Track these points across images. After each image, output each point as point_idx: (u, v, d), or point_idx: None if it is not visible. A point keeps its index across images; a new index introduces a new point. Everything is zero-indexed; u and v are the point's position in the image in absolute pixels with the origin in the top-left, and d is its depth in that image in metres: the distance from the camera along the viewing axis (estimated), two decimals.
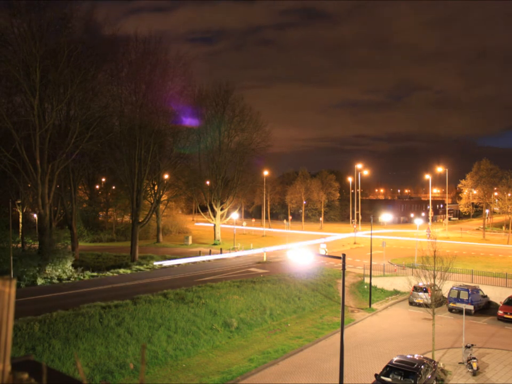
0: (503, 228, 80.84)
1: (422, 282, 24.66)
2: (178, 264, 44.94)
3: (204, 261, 47.61)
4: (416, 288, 31.96)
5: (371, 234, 35.60)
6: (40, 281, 34.64)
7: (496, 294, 32.44)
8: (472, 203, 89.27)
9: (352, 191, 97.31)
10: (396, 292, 36.25)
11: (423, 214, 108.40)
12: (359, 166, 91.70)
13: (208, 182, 65.32)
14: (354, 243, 63.97)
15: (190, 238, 64.46)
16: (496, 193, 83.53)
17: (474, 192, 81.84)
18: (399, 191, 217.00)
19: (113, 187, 73.24)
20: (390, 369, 18.34)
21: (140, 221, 48.85)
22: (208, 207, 65.20)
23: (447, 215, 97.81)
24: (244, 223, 76.87)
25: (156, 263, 43.64)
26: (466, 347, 21.30)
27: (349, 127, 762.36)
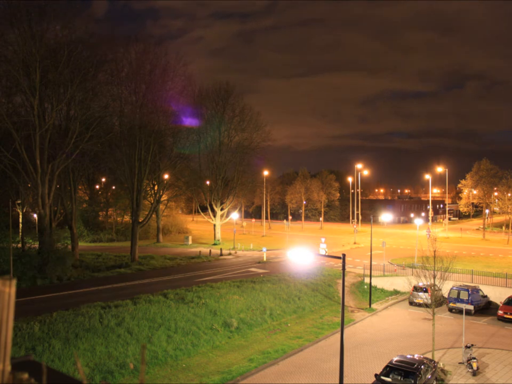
0: (503, 228, 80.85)
1: (422, 282, 24.66)
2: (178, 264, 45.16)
3: (203, 261, 47.63)
4: (416, 288, 31.96)
5: (371, 234, 35.60)
6: (40, 281, 34.63)
7: (496, 294, 32.43)
8: (472, 203, 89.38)
9: (352, 191, 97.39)
10: (396, 292, 36.25)
11: (423, 214, 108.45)
12: (359, 166, 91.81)
13: (208, 182, 65.33)
14: (354, 243, 63.99)
15: (190, 238, 64.52)
16: (496, 193, 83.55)
17: (474, 192, 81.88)
18: (399, 191, 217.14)
19: (113, 187, 73.24)
20: (390, 369, 18.33)
21: (140, 221, 48.85)
22: (208, 207, 65.21)
23: (447, 215, 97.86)
24: (244, 223, 76.90)
25: None
26: (466, 347, 21.30)
27: (387, 122, 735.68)
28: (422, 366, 18.32)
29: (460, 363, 21.49)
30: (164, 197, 60.87)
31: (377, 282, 36.79)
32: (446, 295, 30.69)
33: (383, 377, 18.09)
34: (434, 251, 22.75)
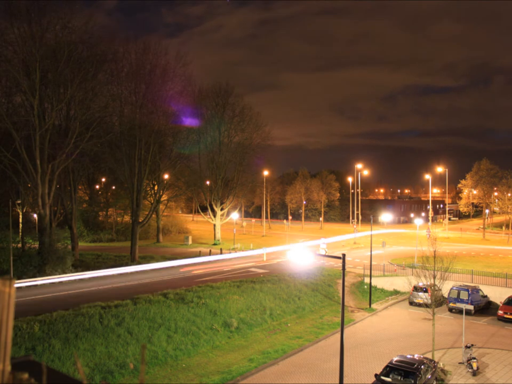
0: (503, 228, 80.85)
1: (422, 282, 24.66)
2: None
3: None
4: (416, 288, 31.96)
5: (371, 234, 35.60)
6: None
7: (496, 294, 32.43)
8: (472, 203, 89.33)
9: (352, 191, 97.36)
10: (395, 292, 36.24)
11: (423, 214, 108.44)
12: (359, 166, 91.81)
13: (208, 182, 65.33)
14: (354, 243, 63.99)
15: (190, 238, 64.49)
16: (496, 193, 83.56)
17: (474, 192, 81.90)
18: (399, 191, 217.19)
19: (113, 187, 73.23)
20: (390, 369, 18.33)
21: (140, 221, 48.84)
22: (208, 207, 65.21)
23: (447, 215, 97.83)
24: (244, 223, 76.85)
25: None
26: (466, 347, 21.30)
27: (406, 120, 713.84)
28: (422, 366, 18.32)
29: (460, 363, 21.50)
30: (164, 197, 60.86)
31: (377, 282, 36.78)
32: (446, 295, 30.69)
33: (383, 377, 18.09)
34: (434, 251, 22.76)
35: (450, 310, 30.91)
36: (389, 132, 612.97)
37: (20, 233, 48.61)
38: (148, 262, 45.31)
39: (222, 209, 64.47)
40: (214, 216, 64.03)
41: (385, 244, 45.50)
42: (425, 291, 29.87)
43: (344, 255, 15.72)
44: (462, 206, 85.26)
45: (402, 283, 34.15)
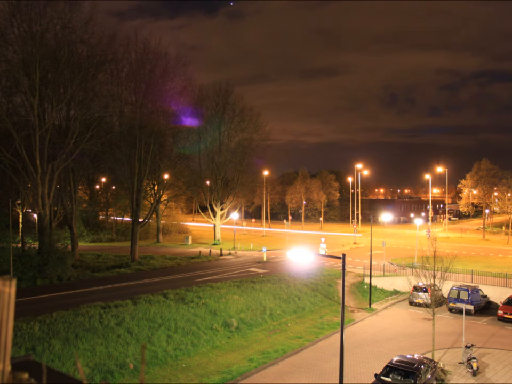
0: (503, 228, 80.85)
1: (422, 282, 24.66)
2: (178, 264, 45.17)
3: (203, 261, 47.60)
4: (416, 288, 31.97)
5: (371, 234, 35.60)
6: (40, 281, 34.62)
7: (496, 294, 32.44)
8: (472, 203, 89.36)
9: (352, 191, 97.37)
10: (395, 292, 36.25)
11: (423, 214, 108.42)
12: (359, 166, 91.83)
13: (208, 182, 65.33)
14: (354, 243, 64.00)
15: (190, 238, 64.51)
16: (496, 193, 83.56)
17: (474, 192, 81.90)
18: (399, 191, 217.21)
19: (113, 187, 73.21)
20: (390, 369, 18.33)
21: (140, 221, 48.83)
22: (208, 207, 65.20)
23: (447, 215, 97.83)
24: (244, 223, 76.82)
25: None
26: (466, 347, 21.30)
27: (459, 114, 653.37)
28: (422, 366, 18.31)
29: (460, 363, 21.50)
30: (164, 197, 60.84)
31: (377, 282, 36.78)
32: (446, 295, 30.69)
33: (383, 377, 18.08)
34: (434, 251, 22.76)
35: (450, 310, 30.91)
36: (432, 128, 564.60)
37: (20, 233, 48.60)
38: (147, 262, 45.34)
39: (222, 209, 64.46)
40: (214, 216, 64.03)
41: (385, 244, 45.47)
42: (425, 291, 29.87)
43: (344, 255, 15.71)
44: (462, 206, 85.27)
45: (402, 283, 34.16)
